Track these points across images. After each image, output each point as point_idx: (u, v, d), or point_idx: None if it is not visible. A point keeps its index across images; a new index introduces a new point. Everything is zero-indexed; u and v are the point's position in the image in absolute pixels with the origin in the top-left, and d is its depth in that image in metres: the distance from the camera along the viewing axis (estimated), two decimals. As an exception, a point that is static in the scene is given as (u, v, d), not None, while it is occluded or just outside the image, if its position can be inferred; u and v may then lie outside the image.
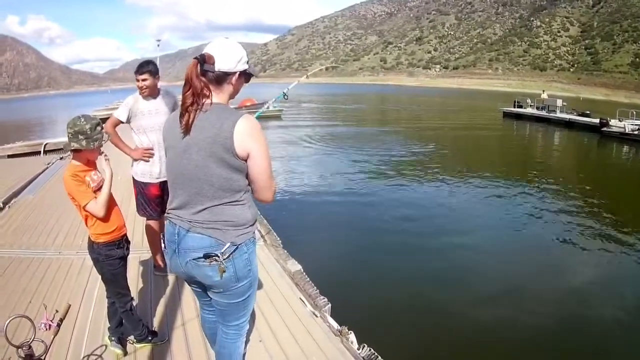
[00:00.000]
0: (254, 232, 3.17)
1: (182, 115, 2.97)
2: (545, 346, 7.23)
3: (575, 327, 7.92)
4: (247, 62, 3.12)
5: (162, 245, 3.15)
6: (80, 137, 3.89)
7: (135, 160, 6.24)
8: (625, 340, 7.58)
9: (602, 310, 8.55)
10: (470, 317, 8.01)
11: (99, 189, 4.12)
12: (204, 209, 2.97)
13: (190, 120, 2.92)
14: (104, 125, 5.53)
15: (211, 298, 3.33)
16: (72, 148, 3.94)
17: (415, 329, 7.62)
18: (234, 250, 2.99)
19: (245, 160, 2.93)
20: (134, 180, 6.41)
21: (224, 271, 2.98)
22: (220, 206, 2.96)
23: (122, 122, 6.09)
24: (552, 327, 7.79)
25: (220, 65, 2.95)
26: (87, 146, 3.92)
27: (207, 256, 2.96)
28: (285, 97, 6.44)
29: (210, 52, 2.97)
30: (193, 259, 3.02)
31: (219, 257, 2.95)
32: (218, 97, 3.03)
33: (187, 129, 2.93)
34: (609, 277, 10.25)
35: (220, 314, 3.39)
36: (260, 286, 6.08)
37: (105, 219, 4.16)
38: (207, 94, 2.95)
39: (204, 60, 2.95)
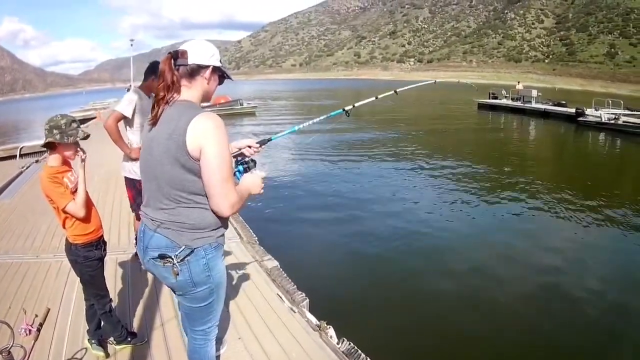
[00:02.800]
0: (217, 238, 3.07)
1: (152, 108, 3.01)
2: (525, 334, 7.33)
3: (556, 314, 7.99)
4: (220, 61, 3.15)
5: (134, 242, 3.17)
6: (55, 131, 3.91)
7: (136, 159, 6.12)
8: (603, 316, 7.72)
9: (579, 290, 8.68)
10: (450, 310, 8.07)
11: (76, 189, 4.13)
12: (162, 208, 2.94)
13: (158, 113, 2.94)
14: (107, 120, 5.54)
15: None
16: (47, 141, 3.95)
17: (394, 323, 7.64)
18: (189, 254, 2.94)
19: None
20: (133, 181, 6.34)
21: (177, 274, 2.95)
22: (176, 207, 2.91)
23: (126, 118, 6.04)
24: (531, 315, 7.90)
25: (193, 59, 2.97)
26: (61, 140, 3.93)
27: (161, 257, 2.95)
28: (347, 114, 6.21)
29: (185, 48, 3.02)
30: (152, 258, 3.01)
31: (172, 259, 2.93)
32: (190, 92, 3.03)
33: (154, 122, 2.96)
34: (585, 258, 10.38)
35: (186, 318, 3.37)
36: (237, 283, 6.14)
37: (86, 219, 4.18)
38: (178, 88, 2.97)
39: (177, 56, 2.98)
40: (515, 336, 7.33)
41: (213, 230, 3.01)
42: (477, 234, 11.85)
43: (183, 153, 2.78)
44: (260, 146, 4.03)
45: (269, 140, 4.35)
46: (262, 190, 3.30)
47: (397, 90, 6.18)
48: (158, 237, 2.97)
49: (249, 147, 3.91)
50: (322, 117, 5.46)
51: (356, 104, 5.69)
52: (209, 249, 3.01)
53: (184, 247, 2.92)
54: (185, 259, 2.94)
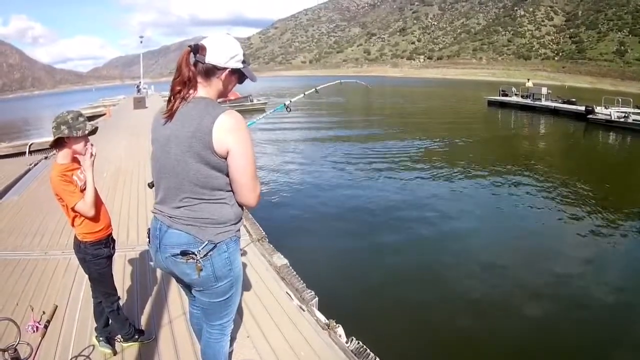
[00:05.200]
0: (236, 232, 3.09)
1: (168, 102, 2.97)
2: (533, 334, 7.28)
3: (565, 311, 7.97)
4: (244, 62, 3.07)
5: (147, 240, 3.13)
6: (63, 127, 3.90)
7: None
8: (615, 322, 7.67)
9: (591, 292, 8.65)
10: (458, 309, 8.06)
11: (85, 187, 4.11)
12: (183, 205, 2.93)
13: (175, 107, 2.91)
14: None
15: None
16: (56, 137, 3.93)
17: (403, 321, 7.63)
18: (212, 249, 2.94)
19: (226, 158, 2.85)
20: None
21: (201, 269, 2.94)
22: (198, 203, 2.91)
23: None
24: (540, 316, 7.84)
25: (210, 58, 2.91)
26: (70, 134, 3.91)
27: (184, 253, 2.93)
28: (288, 109, 6.40)
29: (205, 44, 2.94)
30: (172, 255, 2.99)
31: (195, 255, 2.92)
32: (205, 90, 2.98)
33: (170, 115, 2.92)
34: (596, 259, 10.34)
35: (203, 313, 3.36)
36: (246, 281, 6.09)
37: (95, 218, 4.16)
38: (194, 84, 2.92)
39: (197, 51, 2.92)
40: (527, 337, 7.29)
41: (233, 224, 3.04)
42: (489, 234, 11.81)
43: (209, 151, 2.80)
44: None
45: None
46: None
47: (317, 88, 7.88)
48: (178, 234, 2.96)
49: None
50: (268, 112, 6.44)
51: (292, 99, 6.88)
52: (230, 243, 3.04)
53: (207, 242, 2.93)
54: (209, 254, 2.94)
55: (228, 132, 2.79)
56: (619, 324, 7.69)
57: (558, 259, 10.19)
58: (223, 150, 2.80)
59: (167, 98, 3.01)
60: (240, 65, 3.04)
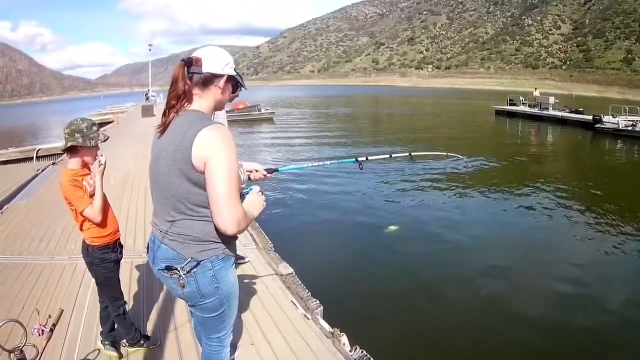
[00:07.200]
0: (223, 249, 2.98)
1: (163, 115, 2.97)
2: (539, 345, 7.25)
3: (570, 321, 7.93)
4: (235, 70, 3.06)
5: (146, 251, 3.15)
6: (77, 135, 3.96)
7: None
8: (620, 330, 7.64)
9: (596, 301, 8.60)
10: (464, 318, 8.02)
11: (94, 193, 4.16)
12: (170, 220, 2.90)
13: (168, 120, 2.90)
14: None
15: None
16: (69, 145, 3.99)
17: (407, 330, 7.61)
18: (195, 266, 2.89)
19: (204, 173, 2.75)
20: None
21: (183, 285, 2.92)
22: (182, 219, 2.87)
23: None
24: (546, 324, 7.79)
25: (208, 67, 2.90)
26: (84, 143, 3.98)
27: (168, 268, 2.92)
28: (361, 167, 6.32)
29: (199, 55, 2.94)
30: (160, 269, 3.00)
31: (178, 270, 2.89)
32: (201, 101, 2.96)
33: (163, 129, 2.92)
34: (602, 268, 10.33)
35: (200, 326, 3.35)
36: (252, 289, 6.13)
37: (102, 224, 4.21)
38: (189, 97, 2.91)
39: (190, 63, 2.91)
40: (533, 346, 7.26)
41: (218, 242, 2.95)
42: (495, 245, 11.75)
43: (189, 166, 2.74)
44: (267, 174, 4.03)
45: (276, 170, 4.33)
46: (264, 205, 3.20)
47: (412, 153, 6.68)
48: (165, 249, 2.95)
49: (256, 171, 3.93)
50: (333, 162, 5.95)
51: (369, 157, 5.78)
52: (215, 261, 2.96)
53: (189, 259, 2.88)
54: (192, 271, 2.90)
55: (207, 145, 2.71)
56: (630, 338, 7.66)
57: (564, 268, 10.14)
58: (201, 164, 2.72)
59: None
60: (234, 73, 3.05)
